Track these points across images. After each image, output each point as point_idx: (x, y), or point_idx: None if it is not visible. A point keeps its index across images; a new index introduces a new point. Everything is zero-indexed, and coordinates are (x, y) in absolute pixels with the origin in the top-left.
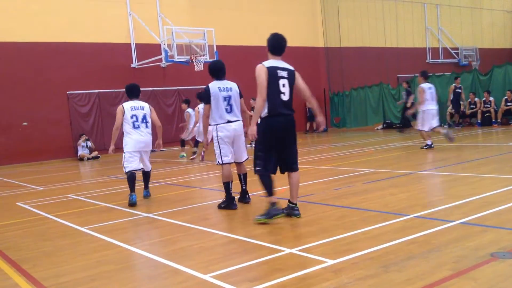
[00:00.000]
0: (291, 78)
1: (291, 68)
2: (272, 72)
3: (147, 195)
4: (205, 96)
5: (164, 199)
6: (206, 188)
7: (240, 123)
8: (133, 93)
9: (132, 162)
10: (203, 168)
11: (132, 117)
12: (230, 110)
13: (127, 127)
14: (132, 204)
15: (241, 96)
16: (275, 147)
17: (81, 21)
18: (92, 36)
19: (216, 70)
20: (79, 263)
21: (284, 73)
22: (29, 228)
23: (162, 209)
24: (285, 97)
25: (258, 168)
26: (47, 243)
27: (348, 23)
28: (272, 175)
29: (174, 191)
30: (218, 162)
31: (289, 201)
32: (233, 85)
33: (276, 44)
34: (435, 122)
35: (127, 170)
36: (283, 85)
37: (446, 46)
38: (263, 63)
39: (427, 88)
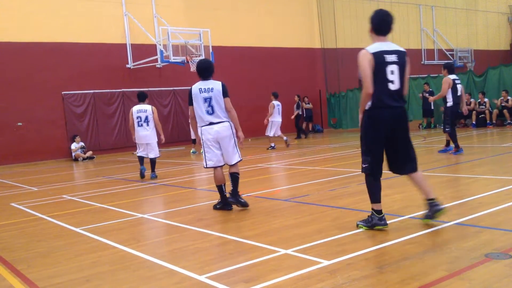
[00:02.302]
0: (401, 62)
1: (402, 49)
2: (379, 58)
3: (153, 176)
4: (188, 98)
5: (160, 200)
6: (202, 189)
7: (225, 124)
8: (140, 98)
9: (139, 149)
10: (197, 169)
11: (137, 118)
12: (211, 112)
13: (135, 125)
14: (142, 172)
15: (226, 95)
16: (381, 144)
17: (76, 21)
18: (87, 36)
19: (200, 70)
20: (74, 264)
21: (393, 57)
22: (23, 228)
23: (158, 210)
24: (394, 86)
25: (365, 166)
26: (41, 244)
27: (344, 24)
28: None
29: (170, 192)
30: (203, 165)
31: (427, 199)
32: (216, 85)
33: (382, 22)
34: (279, 131)
35: (137, 154)
36: (392, 72)
37: (441, 48)
38: (367, 48)
39: (276, 105)
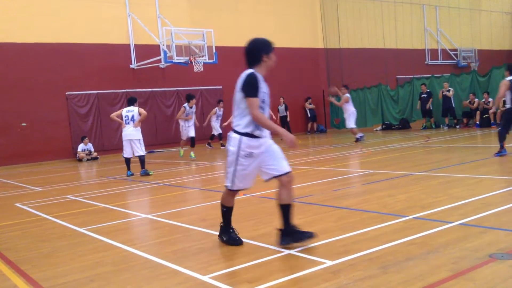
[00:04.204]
0: None
1: None
2: None
3: (143, 173)
4: None
5: (163, 200)
6: (205, 189)
7: (231, 135)
8: (130, 102)
9: (126, 150)
10: (201, 169)
11: (125, 117)
12: (235, 114)
13: (123, 123)
14: (129, 175)
15: (244, 93)
16: None
17: (80, 21)
18: (91, 37)
19: (245, 55)
20: (78, 264)
21: None
22: (27, 229)
23: (161, 210)
24: None
25: None
26: (45, 244)
27: (348, 25)
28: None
29: (173, 192)
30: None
31: None
32: (241, 77)
33: None
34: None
35: (123, 156)
36: None
37: (445, 48)
38: None
39: (349, 98)
